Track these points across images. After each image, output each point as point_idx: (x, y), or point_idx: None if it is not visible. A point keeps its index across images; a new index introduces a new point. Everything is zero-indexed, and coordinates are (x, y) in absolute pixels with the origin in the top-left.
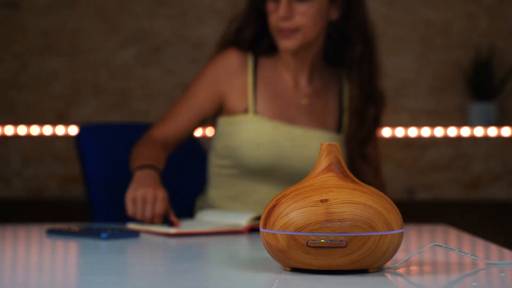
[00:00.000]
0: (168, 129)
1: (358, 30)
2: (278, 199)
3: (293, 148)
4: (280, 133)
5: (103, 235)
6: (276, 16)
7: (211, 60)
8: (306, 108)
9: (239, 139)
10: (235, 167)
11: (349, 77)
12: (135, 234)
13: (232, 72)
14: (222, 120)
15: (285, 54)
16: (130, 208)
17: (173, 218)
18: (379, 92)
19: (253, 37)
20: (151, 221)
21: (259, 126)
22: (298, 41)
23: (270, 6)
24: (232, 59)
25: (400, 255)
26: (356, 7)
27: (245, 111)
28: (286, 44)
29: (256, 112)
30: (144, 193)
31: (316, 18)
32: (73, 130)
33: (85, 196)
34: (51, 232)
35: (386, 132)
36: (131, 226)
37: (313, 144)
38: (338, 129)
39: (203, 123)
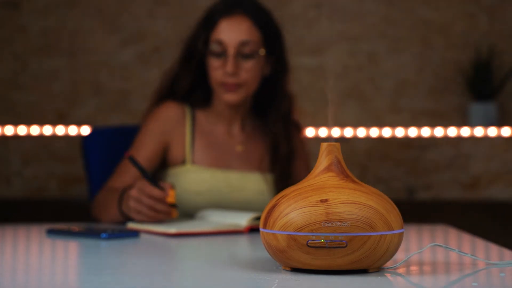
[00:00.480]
0: (124, 181)
1: (283, 87)
2: (278, 199)
3: (231, 193)
4: (218, 180)
5: (103, 235)
6: (221, 72)
7: (152, 113)
8: (240, 154)
9: (179, 190)
10: (180, 215)
11: (271, 129)
12: (135, 234)
13: (174, 124)
14: (163, 173)
15: (222, 106)
16: (144, 216)
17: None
18: (291, 148)
19: (187, 89)
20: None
21: (197, 175)
22: (242, 95)
23: (215, 62)
24: (172, 111)
25: (400, 255)
26: (283, 66)
27: (183, 162)
28: (230, 97)
29: (193, 162)
30: (134, 195)
31: (257, 74)
32: (73, 130)
33: (88, 197)
34: (51, 232)
35: (386, 132)
36: (131, 226)
37: (250, 187)
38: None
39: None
